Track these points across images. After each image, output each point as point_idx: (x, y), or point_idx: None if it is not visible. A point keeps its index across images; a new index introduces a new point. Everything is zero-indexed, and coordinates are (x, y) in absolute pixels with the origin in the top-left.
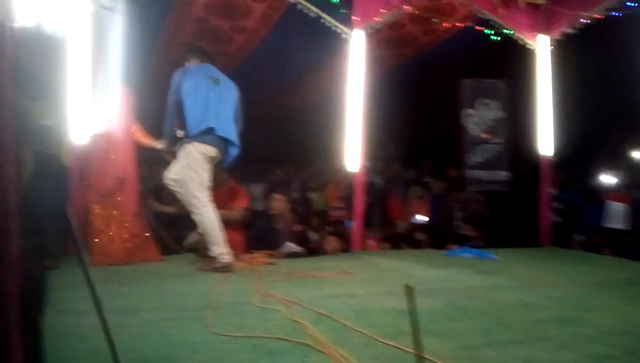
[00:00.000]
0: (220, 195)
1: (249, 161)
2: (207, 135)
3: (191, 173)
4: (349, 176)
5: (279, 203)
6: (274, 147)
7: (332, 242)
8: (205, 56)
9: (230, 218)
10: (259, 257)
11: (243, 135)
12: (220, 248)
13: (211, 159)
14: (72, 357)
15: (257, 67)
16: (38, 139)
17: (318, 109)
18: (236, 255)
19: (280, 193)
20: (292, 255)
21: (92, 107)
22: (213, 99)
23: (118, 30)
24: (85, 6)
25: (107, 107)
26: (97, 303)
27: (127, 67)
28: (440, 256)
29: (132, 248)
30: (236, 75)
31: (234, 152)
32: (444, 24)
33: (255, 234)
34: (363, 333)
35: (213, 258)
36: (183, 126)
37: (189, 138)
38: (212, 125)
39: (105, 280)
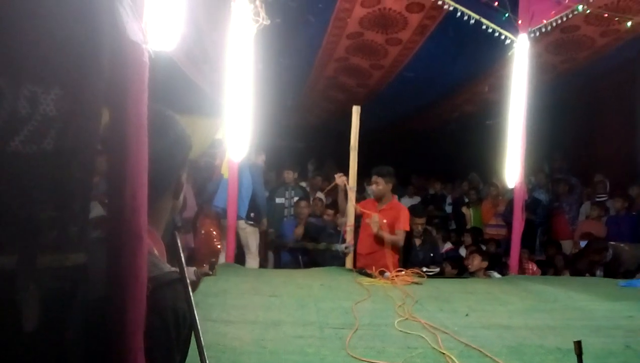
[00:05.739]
0: (381, 213)
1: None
2: None
3: None
4: (508, 192)
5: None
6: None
7: (476, 261)
8: None
9: (395, 243)
10: (405, 275)
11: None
12: None
13: None
14: None
15: (412, 79)
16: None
17: (476, 119)
18: (381, 273)
19: (418, 214)
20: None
21: (249, 123)
22: None
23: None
24: (249, 24)
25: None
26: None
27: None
28: (616, 286)
29: None
30: (390, 89)
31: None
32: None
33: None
34: None
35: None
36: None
37: None
38: None
39: (255, 289)
